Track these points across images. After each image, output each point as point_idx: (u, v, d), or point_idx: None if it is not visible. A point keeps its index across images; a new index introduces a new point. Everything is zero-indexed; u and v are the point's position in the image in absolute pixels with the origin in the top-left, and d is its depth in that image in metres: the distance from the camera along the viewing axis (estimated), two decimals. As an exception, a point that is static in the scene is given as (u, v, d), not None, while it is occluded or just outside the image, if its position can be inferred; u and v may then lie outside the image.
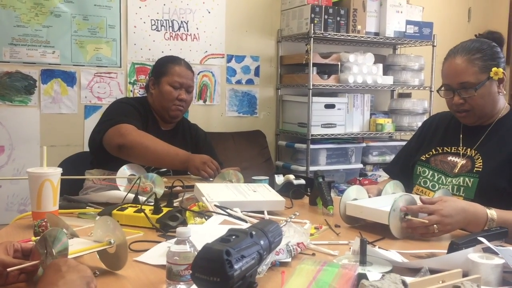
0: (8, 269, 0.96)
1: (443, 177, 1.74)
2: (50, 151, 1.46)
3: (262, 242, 0.64)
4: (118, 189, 1.81)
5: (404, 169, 1.91)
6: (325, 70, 3.43)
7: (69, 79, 3.03)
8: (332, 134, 3.43)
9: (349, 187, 1.69)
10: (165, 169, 2.18)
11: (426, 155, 1.83)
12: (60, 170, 1.43)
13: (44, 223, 1.25)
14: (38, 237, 1.15)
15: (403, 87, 3.72)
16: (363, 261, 1.11)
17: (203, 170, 2.02)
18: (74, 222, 1.41)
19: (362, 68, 3.42)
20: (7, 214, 2.87)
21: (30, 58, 2.92)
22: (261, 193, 1.72)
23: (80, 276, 0.88)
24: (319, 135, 3.38)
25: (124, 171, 1.91)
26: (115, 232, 1.09)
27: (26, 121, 2.94)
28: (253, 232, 0.63)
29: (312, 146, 3.33)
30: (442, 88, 1.73)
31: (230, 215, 1.50)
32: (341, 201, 1.56)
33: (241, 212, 1.56)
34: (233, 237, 0.61)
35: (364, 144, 3.62)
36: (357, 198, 1.59)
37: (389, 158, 3.67)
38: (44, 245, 0.98)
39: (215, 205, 1.55)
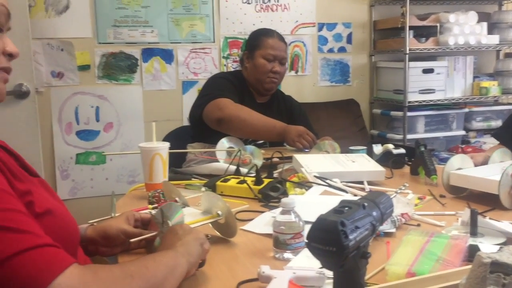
0: (131, 240, 1.06)
1: (561, 143, 1.61)
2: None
3: (374, 214, 0.64)
4: (218, 161, 1.88)
5: (516, 135, 1.78)
6: (422, 33, 3.26)
7: (167, 56, 3.17)
8: (431, 100, 3.27)
9: (451, 155, 1.62)
10: (261, 141, 2.23)
11: (542, 120, 1.69)
12: (168, 144, 1.52)
13: (157, 194, 1.34)
14: (154, 206, 1.24)
15: (511, 46, 3.43)
16: (474, 233, 1.07)
17: (299, 142, 2.04)
18: (182, 192, 1.49)
19: (463, 28, 3.20)
20: (118, 185, 3.11)
21: (132, 38, 3.09)
22: (360, 163, 1.70)
23: (195, 238, 0.95)
24: (416, 101, 3.24)
25: (223, 144, 1.98)
26: (220, 205, 1.15)
27: (130, 99, 3.13)
28: (365, 204, 0.64)
29: (409, 114, 3.21)
30: None
31: (330, 185, 1.51)
32: (444, 171, 1.50)
33: (341, 182, 1.56)
34: (346, 208, 0.62)
35: (466, 110, 3.41)
36: (461, 168, 1.52)
37: (495, 123, 3.44)
38: (161, 217, 1.06)
39: (314, 176, 1.56)
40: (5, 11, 0.84)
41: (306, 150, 2.02)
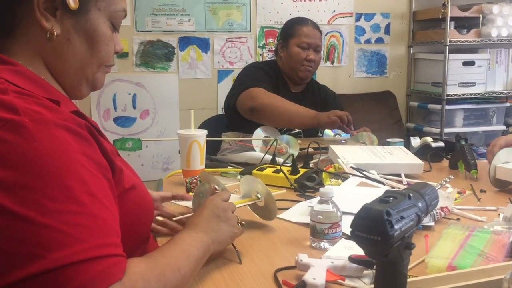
0: (174, 219, 1.09)
1: None
2: (187, 114, 1.57)
3: (420, 204, 0.64)
4: (253, 150, 1.89)
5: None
6: (464, 24, 3.17)
7: (203, 45, 3.19)
8: (471, 94, 3.19)
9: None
10: (296, 131, 2.22)
11: None
12: (205, 132, 1.54)
13: (194, 180, 1.36)
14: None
15: (557, 39, 3.30)
16: (517, 229, 1.04)
17: (334, 115, 1.96)
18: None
19: (507, 20, 3.10)
20: (152, 172, 3.17)
21: (169, 27, 3.12)
22: (398, 156, 1.68)
23: (229, 225, 0.98)
24: (455, 94, 3.17)
25: (259, 133, 1.99)
26: (260, 187, 1.15)
27: (166, 86, 3.17)
28: (411, 194, 0.63)
29: (447, 107, 3.14)
30: None
31: (367, 177, 1.50)
32: (491, 164, 1.47)
33: (378, 174, 1.54)
34: (391, 198, 0.61)
35: (507, 104, 3.32)
36: (508, 161, 1.49)
37: (537, 119, 3.33)
38: (198, 200, 1.08)
39: (351, 167, 1.55)
40: (124, 15, 0.87)
41: (344, 135, 1.99)
